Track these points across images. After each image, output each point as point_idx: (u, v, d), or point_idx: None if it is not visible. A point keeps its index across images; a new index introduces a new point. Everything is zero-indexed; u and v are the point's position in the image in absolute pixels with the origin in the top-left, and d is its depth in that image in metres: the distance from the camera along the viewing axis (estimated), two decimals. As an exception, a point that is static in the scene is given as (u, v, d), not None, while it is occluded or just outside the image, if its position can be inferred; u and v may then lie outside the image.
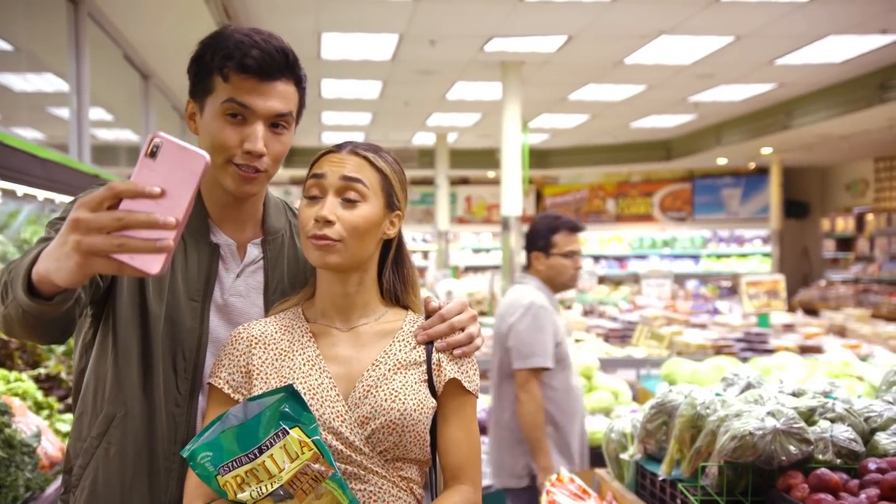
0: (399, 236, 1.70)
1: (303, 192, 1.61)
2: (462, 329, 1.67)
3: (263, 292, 1.74)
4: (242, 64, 1.56)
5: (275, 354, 1.60)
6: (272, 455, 1.38)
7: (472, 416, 1.66)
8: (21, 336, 1.46)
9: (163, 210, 1.15)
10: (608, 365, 5.93)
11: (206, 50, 1.61)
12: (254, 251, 1.75)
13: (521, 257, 10.50)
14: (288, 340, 1.61)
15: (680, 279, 14.90)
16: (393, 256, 1.70)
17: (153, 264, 1.16)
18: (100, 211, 1.15)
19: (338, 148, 1.61)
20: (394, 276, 1.71)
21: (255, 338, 1.61)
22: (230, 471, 1.40)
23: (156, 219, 1.13)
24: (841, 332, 7.88)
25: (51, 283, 1.26)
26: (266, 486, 1.39)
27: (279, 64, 1.60)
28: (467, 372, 1.66)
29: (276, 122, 1.62)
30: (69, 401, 3.53)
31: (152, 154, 1.16)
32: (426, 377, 1.62)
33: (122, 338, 1.63)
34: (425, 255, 18.05)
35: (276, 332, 1.62)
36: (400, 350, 1.63)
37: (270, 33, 1.63)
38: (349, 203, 1.56)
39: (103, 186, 1.17)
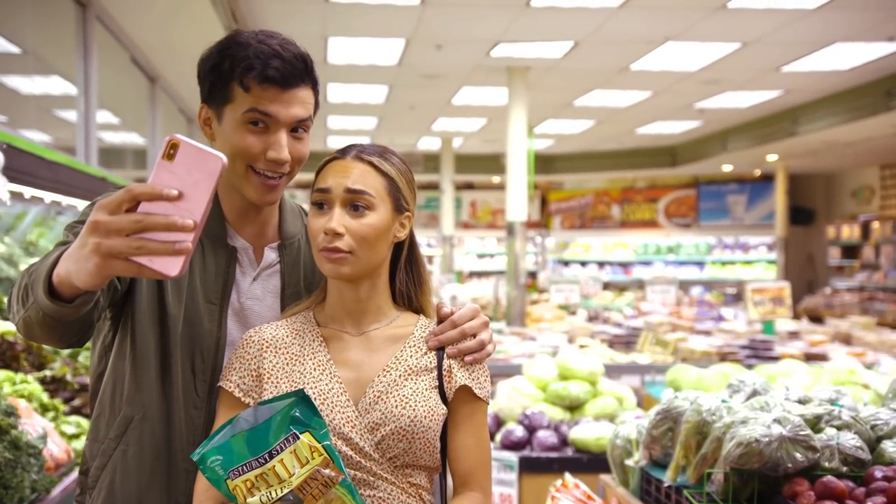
0: (411, 236, 1.70)
1: (309, 201, 1.61)
2: (474, 335, 1.66)
3: (280, 296, 1.74)
4: (265, 75, 1.57)
5: (286, 359, 1.60)
6: (282, 460, 1.38)
7: (483, 422, 1.65)
8: (40, 339, 1.47)
9: (181, 212, 1.15)
10: (613, 371, 5.91)
11: (224, 59, 1.60)
12: (271, 255, 1.75)
13: (526, 262, 10.48)
14: (299, 345, 1.61)
15: (685, 286, 14.89)
16: (406, 257, 1.70)
17: (172, 266, 1.16)
18: (118, 213, 1.16)
19: (342, 153, 1.60)
20: (407, 276, 1.70)
21: (267, 341, 1.61)
22: (240, 475, 1.40)
23: (174, 221, 1.14)
24: (846, 339, 7.85)
25: (71, 286, 1.27)
26: (276, 490, 1.39)
27: (299, 72, 1.61)
28: (478, 378, 1.65)
29: (297, 127, 1.63)
30: (75, 402, 3.54)
31: (169, 156, 1.17)
32: (437, 383, 1.61)
33: (140, 340, 1.64)
34: (430, 259, 18.05)
35: (287, 337, 1.62)
36: (411, 356, 1.63)
37: (284, 38, 1.64)
38: (356, 212, 1.55)
39: (122, 189, 1.18)
